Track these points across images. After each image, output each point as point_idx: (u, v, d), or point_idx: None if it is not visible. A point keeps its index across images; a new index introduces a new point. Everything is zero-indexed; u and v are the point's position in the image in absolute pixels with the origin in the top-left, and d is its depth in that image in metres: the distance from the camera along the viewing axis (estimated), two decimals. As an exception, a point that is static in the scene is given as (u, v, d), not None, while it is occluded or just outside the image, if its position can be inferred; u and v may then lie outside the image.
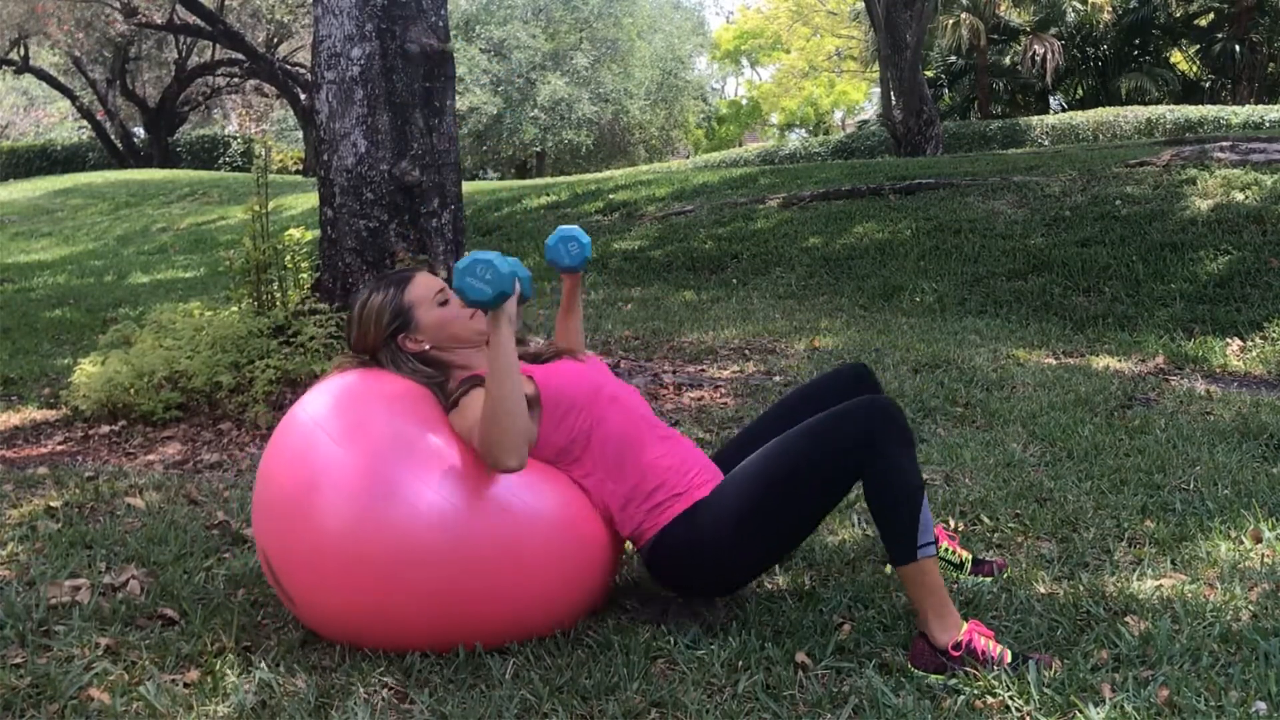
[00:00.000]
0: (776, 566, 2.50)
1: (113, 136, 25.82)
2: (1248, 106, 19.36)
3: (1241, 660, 1.94)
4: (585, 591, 2.17)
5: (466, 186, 11.86)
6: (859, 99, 38.12)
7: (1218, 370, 4.82)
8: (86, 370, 4.31)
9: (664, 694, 1.90)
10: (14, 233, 14.48)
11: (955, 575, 2.39)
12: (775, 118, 40.50)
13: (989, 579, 2.39)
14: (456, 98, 6.05)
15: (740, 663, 2.01)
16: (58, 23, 19.32)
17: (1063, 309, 6.00)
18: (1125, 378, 4.50)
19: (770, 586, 2.41)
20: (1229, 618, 2.12)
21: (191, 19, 19.29)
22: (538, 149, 29.90)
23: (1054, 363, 4.87)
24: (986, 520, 2.79)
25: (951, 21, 23.49)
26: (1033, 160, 9.47)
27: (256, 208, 4.61)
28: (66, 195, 18.41)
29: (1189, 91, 24.07)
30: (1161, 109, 19.81)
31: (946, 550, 2.41)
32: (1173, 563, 2.45)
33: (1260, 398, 4.14)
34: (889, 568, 2.46)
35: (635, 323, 5.97)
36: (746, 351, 5.18)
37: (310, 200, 12.80)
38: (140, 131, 27.26)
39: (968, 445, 3.47)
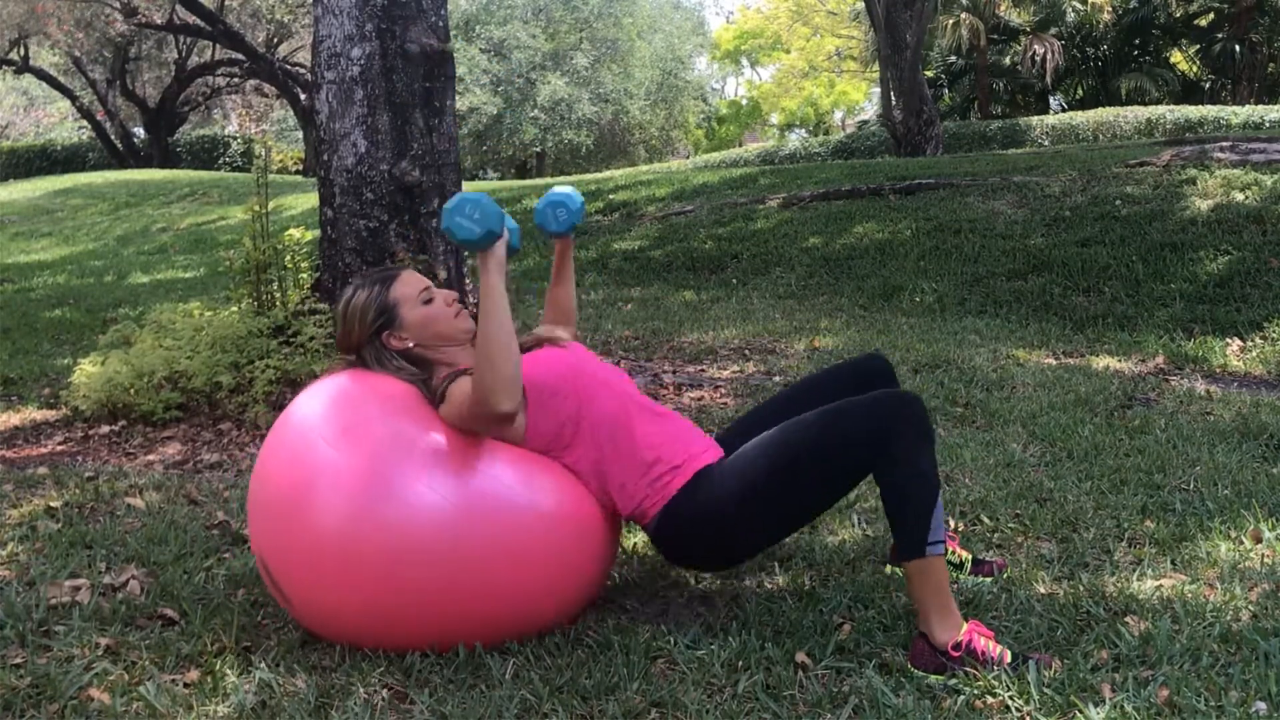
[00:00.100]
0: (777, 566, 2.50)
1: (113, 136, 25.82)
2: (1248, 106, 19.36)
3: (1241, 660, 1.94)
4: (583, 583, 2.17)
5: (467, 186, 11.85)
6: (859, 99, 38.12)
7: (1218, 370, 4.82)
8: (86, 370, 4.31)
9: (664, 694, 1.90)
10: (14, 233, 14.48)
11: (955, 575, 2.39)
12: (775, 118, 40.51)
13: (989, 579, 2.39)
14: (456, 98, 6.04)
15: (740, 663, 2.01)
16: (58, 23, 19.33)
17: (1063, 309, 6.00)
18: (1125, 378, 4.50)
19: (770, 586, 2.41)
20: (1229, 618, 2.12)
21: (191, 19, 19.29)
22: (538, 149, 29.90)
23: (1054, 363, 4.87)
24: (986, 520, 2.79)
25: (951, 21, 23.50)
26: (1033, 160, 9.47)
27: (256, 208, 4.61)
28: (66, 195, 18.41)
29: (1189, 91, 24.07)
30: (1161, 109, 19.81)
31: (947, 550, 2.40)
32: (1173, 563, 2.45)
33: (1260, 398, 4.14)
34: (889, 567, 2.46)
35: (635, 323, 5.97)
36: (746, 351, 5.18)
37: (310, 200, 12.80)
38: (140, 131, 27.26)
39: (968, 445, 3.47)
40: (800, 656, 2.02)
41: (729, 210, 9.05)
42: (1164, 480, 3.04)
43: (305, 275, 4.69)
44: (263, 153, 5.40)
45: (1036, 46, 23.85)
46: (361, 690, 1.96)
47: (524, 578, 2.06)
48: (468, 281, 4.74)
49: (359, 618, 2.06)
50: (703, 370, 4.86)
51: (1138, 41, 24.50)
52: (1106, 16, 24.34)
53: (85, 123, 27.55)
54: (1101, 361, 4.89)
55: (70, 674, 1.99)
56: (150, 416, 4.12)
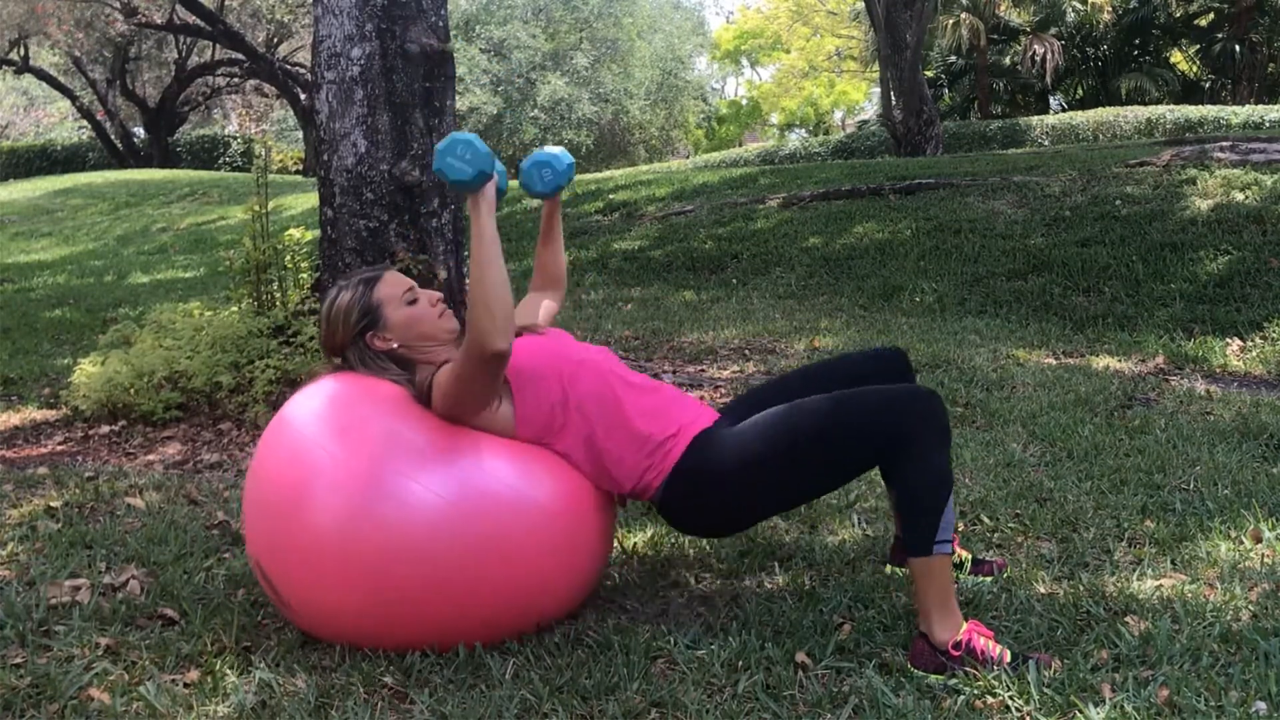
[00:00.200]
0: (777, 566, 2.50)
1: (113, 136, 25.83)
2: (1248, 106, 19.36)
3: (1241, 660, 1.94)
4: (581, 575, 2.17)
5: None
6: (859, 99, 38.11)
7: (1218, 370, 4.82)
8: (86, 370, 4.31)
9: (664, 694, 1.90)
10: (14, 233, 14.48)
11: (955, 575, 2.38)
12: (775, 118, 40.50)
13: (989, 579, 2.39)
14: (456, 98, 6.04)
15: (740, 663, 2.01)
16: (58, 23, 19.32)
17: (1063, 309, 6.00)
18: (1125, 378, 4.50)
19: (770, 586, 2.41)
20: (1229, 618, 2.12)
21: (191, 19, 19.28)
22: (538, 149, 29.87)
23: (1054, 363, 4.87)
24: (986, 520, 2.79)
25: (951, 21, 23.49)
26: (1033, 160, 9.47)
27: (256, 208, 4.61)
28: (66, 195, 18.41)
29: (1189, 91, 24.07)
30: (1161, 109, 19.81)
31: (954, 551, 2.40)
32: (1173, 563, 2.45)
33: (1260, 398, 4.14)
34: (889, 567, 2.46)
35: (635, 323, 5.97)
36: (746, 351, 5.18)
37: (310, 200, 12.80)
38: (140, 131, 27.27)
39: (968, 445, 3.46)
40: (800, 656, 2.02)
41: (729, 210, 9.05)
42: (1164, 480, 3.04)
43: (305, 275, 4.69)
44: (263, 153, 5.40)
45: (1036, 46, 23.85)
46: (361, 690, 1.96)
47: (521, 572, 2.06)
48: (468, 282, 4.74)
49: (357, 618, 2.06)
50: (703, 370, 4.86)
51: (1138, 41, 24.50)
52: (1106, 16, 24.34)
53: (85, 123, 27.56)
54: (1101, 361, 4.89)
55: (70, 674, 1.99)
56: (150, 416, 4.12)
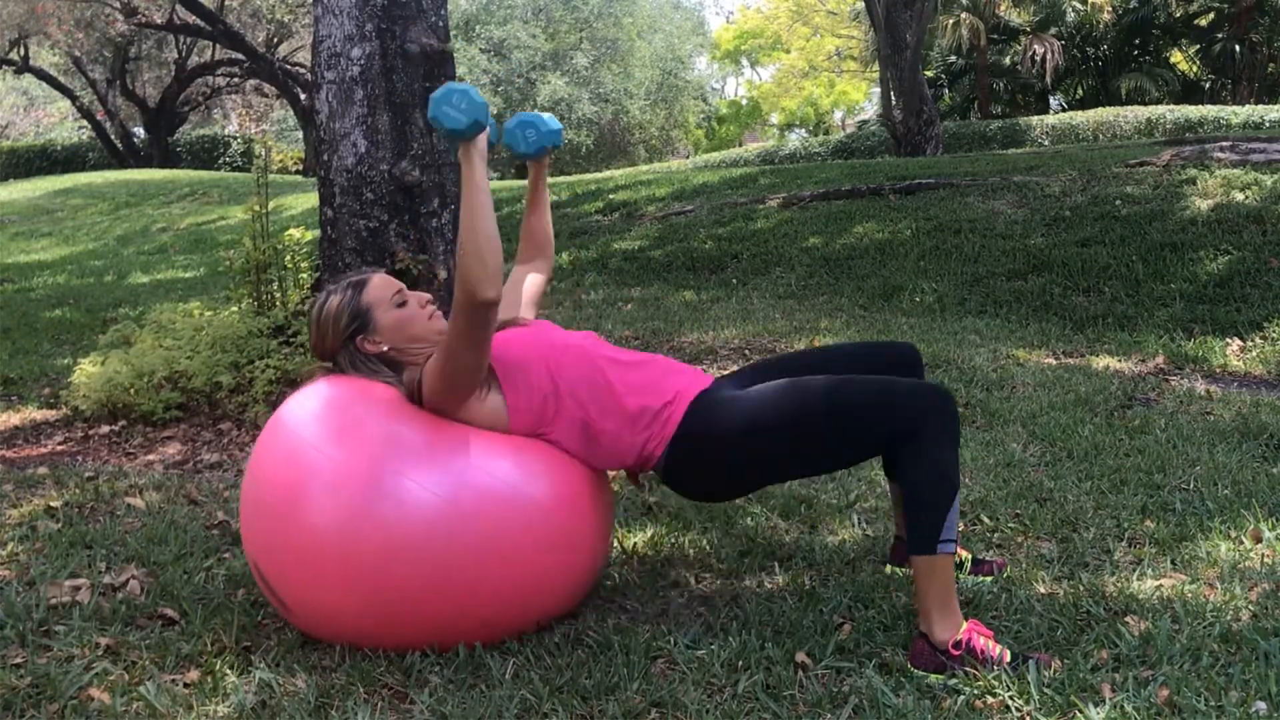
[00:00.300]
0: (777, 566, 2.50)
1: (113, 136, 25.82)
2: (1248, 106, 19.36)
3: (1241, 660, 1.94)
4: (581, 571, 2.17)
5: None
6: (859, 99, 38.12)
7: (1218, 370, 4.81)
8: (86, 370, 4.31)
9: (664, 694, 1.90)
10: (14, 233, 14.48)
11: (955, 575, 2.38)
12: (775, 118, 40.50)
13: (989, 579, 2.39)
14: (456, 98, 6.03)
15: (740, 663, 2.01)
16: (58, 23, 19.32)
17: (1063, 309, 6.00)
18: (1125, 378, 4.50)
19: (770, 586, 2.41)
20: (1229, 618, 2.12)
21: (191, 19, 19.29)
22: (537, 149, 29.85)
23: (1054, 363, 4.87)
24: (986, 520, 2.79)
25: (951, 21, 23.50)
26: (1033, 160, 9.47)
27: (256, 208, 4.61)
28: (66, 195, 18.41)
29: (1189, 91, 24.08)
30: (1161, 109, 19.82)
31: (957, 551, 2.40)
32: (1173, 563, 2.45)
33: (1260, 398, 4.14)
34: (889, 567, 2.46)
35: (635, 323, 5.97)
36: (746, 351, 5.18)
37: (310, 200, 12.80)
38: (140, 131, 27.26)
39: (968, 445, 3.47)
40: (800, 656, 2.02)
41: (729, 210, 9.05)
42: (1164, 480, 3.04)
43: (305, 275, 4.69)
44: (263, 153, 5.40)
45: (1036, 46, 23.86)
46: (361, 690, 1.96)
47: (520, 571, 2.06)
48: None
49: (356, 618, 2.06)
50: (703, 370, 4.86)
51: (1138, 41, 24.50)
52: (1106, 16, 24.35)
53: (85, 123, 27.56)
54: (1101, 361, 4.89)
55: (70, 674, 1.99)
56: (150, 416, 4.12)
